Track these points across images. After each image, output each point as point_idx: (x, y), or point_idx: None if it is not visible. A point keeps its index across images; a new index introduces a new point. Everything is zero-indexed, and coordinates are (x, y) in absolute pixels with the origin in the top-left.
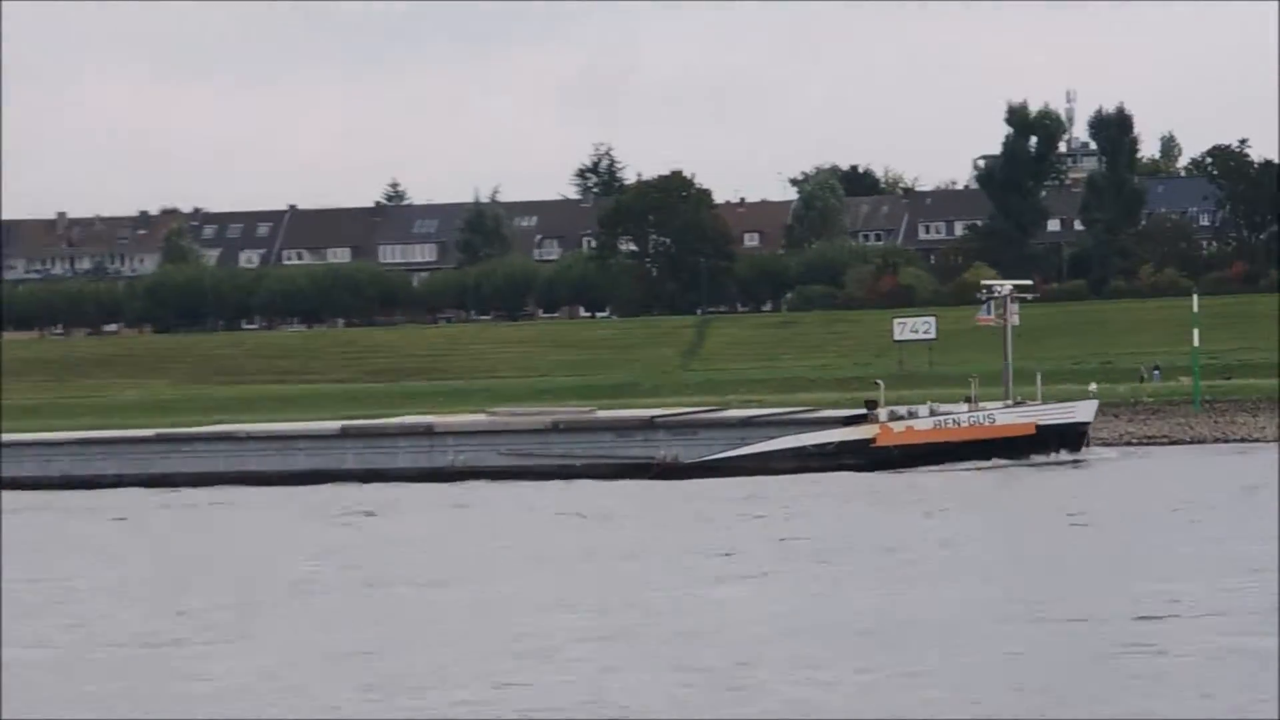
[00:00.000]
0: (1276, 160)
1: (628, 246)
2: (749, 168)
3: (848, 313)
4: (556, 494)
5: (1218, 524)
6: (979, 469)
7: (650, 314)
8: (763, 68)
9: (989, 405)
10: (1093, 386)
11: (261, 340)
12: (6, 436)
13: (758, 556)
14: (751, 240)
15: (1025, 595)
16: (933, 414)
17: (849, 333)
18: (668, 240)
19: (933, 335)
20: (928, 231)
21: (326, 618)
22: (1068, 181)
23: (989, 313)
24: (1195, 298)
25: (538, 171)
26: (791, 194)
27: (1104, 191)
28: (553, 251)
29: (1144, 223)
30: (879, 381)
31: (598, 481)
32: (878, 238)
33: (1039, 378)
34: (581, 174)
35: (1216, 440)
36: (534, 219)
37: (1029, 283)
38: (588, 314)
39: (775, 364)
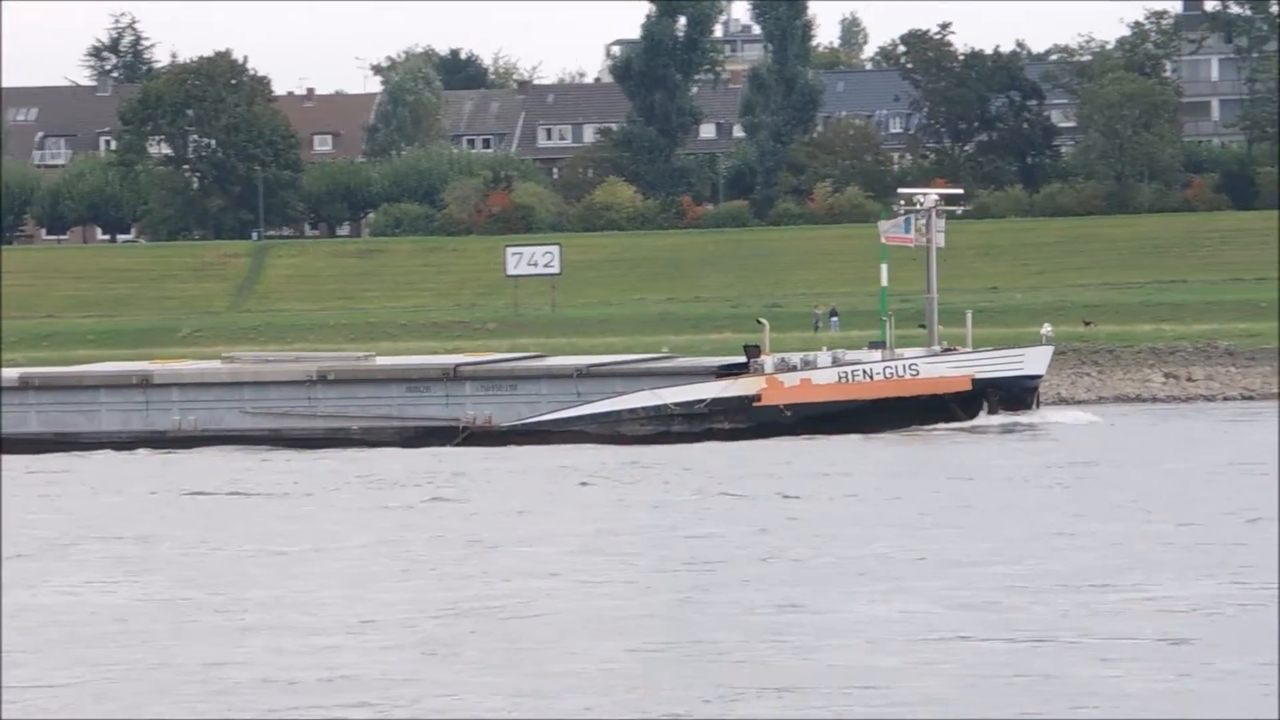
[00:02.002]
0: (991, 50)
1: (160, 150)
2: (319, 51)
3: (448, 239)
4: (319, 467)
5: None
6: (902, 435)
7: (190, 238)
8: None
9: (909, 352)
10: (1046, 329)
11: None
12: None
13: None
14: (323, 144)
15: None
16: (836, 363)
17: (449, 265)
18: (212, 142)
19: (556, 269)
20: (549, 137)
21: None
22: (725, 75)
23: (907, 230)
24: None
25: (37, 49)
26: (375, 85)
27: (770, 89)
28: (59, 154)
29: (820, 129)
30: (762, 320)
31: (382, 450)
32: (486, 144)
33: (969, 317)
34: (96, 54)
35: None
36: (32, 111)
37: (958, 192)
38: (107, 237)
39: (354, 304)
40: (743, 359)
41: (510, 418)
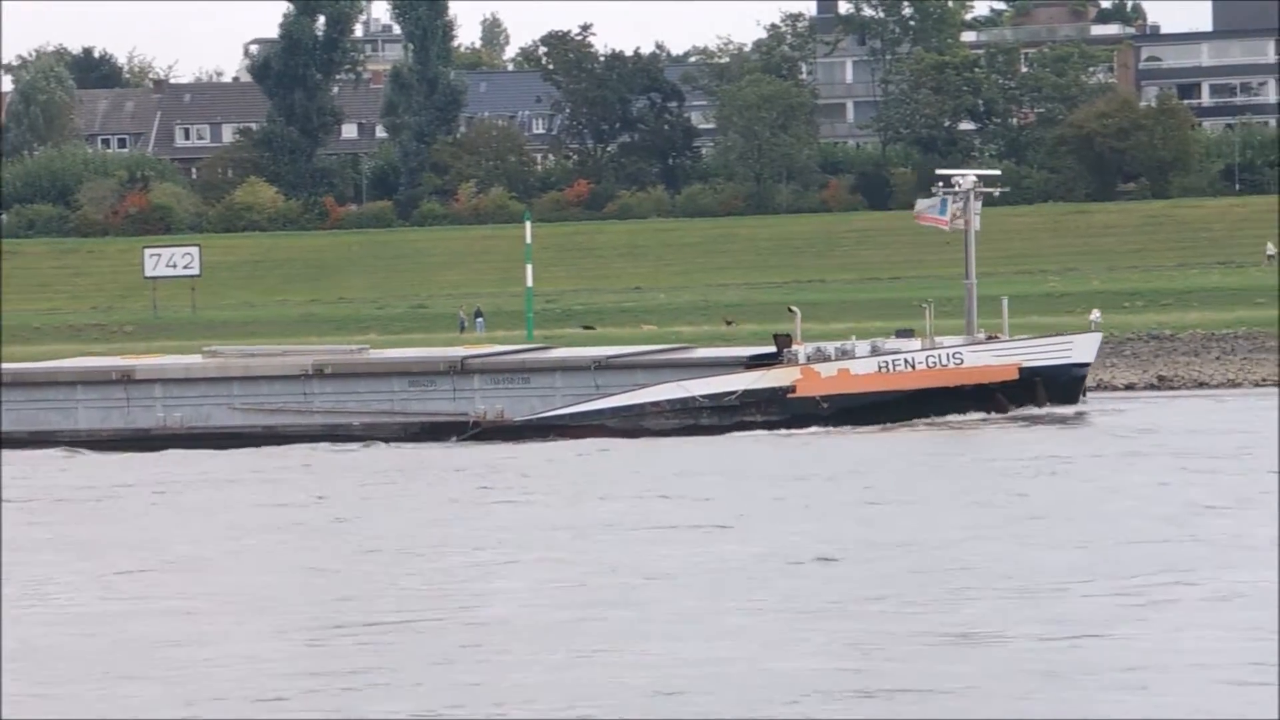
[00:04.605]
0: (632, 52)
1: None
2: None
3: (84, 241)
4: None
5: None
6: (948, 427)
7: None
8: None
9: (949, 340)
10: (1095, 314)
11: None
12: None
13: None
14: None
15: None
16: (875, 352)
17: (86, 267)
18: None
19: (196, 270)
20: (187, 137)
21: None
22: (366, 75)
23: (942, 211)
24: (529, 225)
25: None
26: (6, 84)
27: (412, 89)
28: None
29: (464, 129)
30: (794, 309)
31: (385, 446)
32: (121, 144)
33: (1005, 304)
34: None
35: None
36: None
37: (997, 173)
38: None
39: None
40: (772, 349)
41: (523, 411)
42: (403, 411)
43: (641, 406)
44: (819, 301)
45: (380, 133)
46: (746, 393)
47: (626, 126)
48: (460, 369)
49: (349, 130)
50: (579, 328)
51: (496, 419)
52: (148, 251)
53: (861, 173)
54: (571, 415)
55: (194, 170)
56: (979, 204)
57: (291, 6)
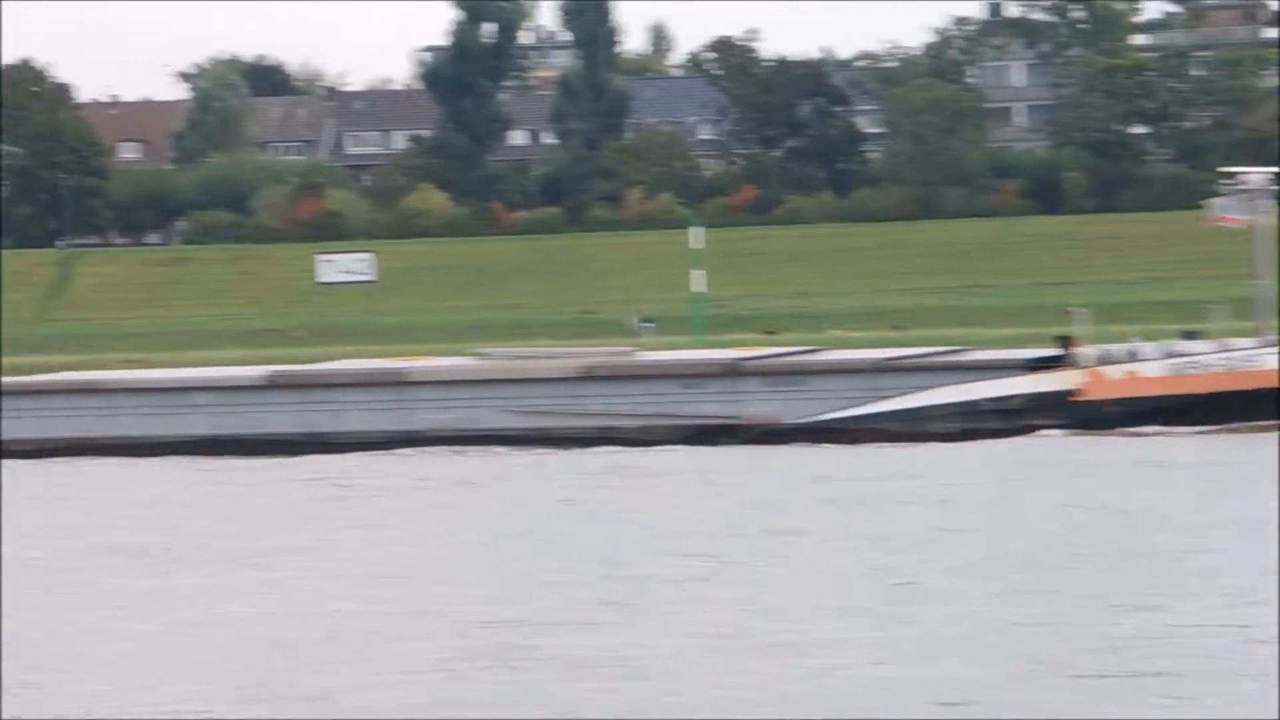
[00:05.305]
0: (798, 57)
1: None
2: (124, 58)
3: (258, 247)
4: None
5: None
6: (1243, 431)
7: None
8: None
9: (1242, 343)
10: None
11: None
12: None
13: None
14: (130, 152)
15: None
16: (1166, 355)
17: (260, 272)
18: (17, 150)
19: (370, 276)
20: (359, 143)
21: None
22: (534, 82)
23: (1235, 210)
24: (696, 230)
25: None
26: (182, 92)
27: (580, 95)
28: None
29: (630, 135)
30: (1080, 308)
31: (658, 449)
32: (295, 150)
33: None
34: None
35: None
36: None
37: None
38: None
39: (163, 312)
40: (1057, 351)
41: (798, 415)
42: (674, 414)
43: (923, 410)
44: (987, 307)
45: (548, 138)
46: (1031, 396)
47: (793, 131)
48: (735, 371)
49: (517, 136)
50: (749, 333)
51: (770, 422)
52: (321, 258)
53: (1032, 177)
54: (849, 419)
55: (366, 177)
56: (1272, 202)
57: (462, 15)
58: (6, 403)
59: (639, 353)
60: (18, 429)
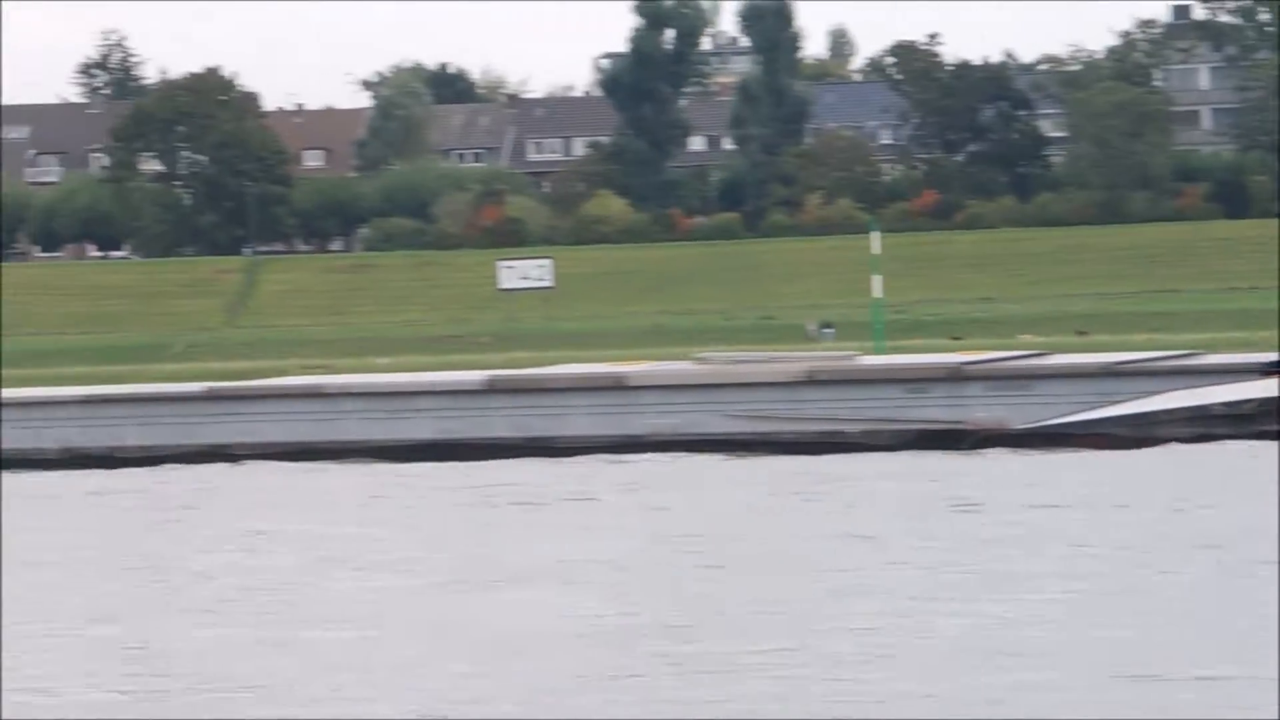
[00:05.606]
0: (980, 60)
1: (151, 166)
2: (307, 66)
3: (440, 253)
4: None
5: None
6: None
7: (183, 254)
8: None
9: None
10: None
11: None
12: None
13: None
14: (314, 160)
15: None
16: None
17: (442, 279)
18: (203, 159)
19: (549, 282)
20: (539, 150)
21: None
22: (714, 88)
23: None
24: (876, 235)
25: (26, 66)
26: (365, 100)
27: (759, 101)
28: (52, 171)
29: (810, 140)
30: None
31: (882, 455)
32: (476, 157)
33: None
34: (87, 71)
35: None
36: (25, 130)
37: None
38: (100, 254)
39: (346, 318)
40: None
41: (1025, 420)
42: (897, 419)
43: (1154, 415)
44: (1174, 312)
45: (727, 144)
46: (1263, 400)
47: (975, 136)
48: (958, 375)
49: (696, 142)
50: (929, 338)
51: (996, 427)
52: (501, 264)
53: (1219, 180)
54: (1077, 423)
55: (545, 183)
56: None
57: (642, 22)
58: (227, 407)
59: (861, 357)
60: (235, 433)
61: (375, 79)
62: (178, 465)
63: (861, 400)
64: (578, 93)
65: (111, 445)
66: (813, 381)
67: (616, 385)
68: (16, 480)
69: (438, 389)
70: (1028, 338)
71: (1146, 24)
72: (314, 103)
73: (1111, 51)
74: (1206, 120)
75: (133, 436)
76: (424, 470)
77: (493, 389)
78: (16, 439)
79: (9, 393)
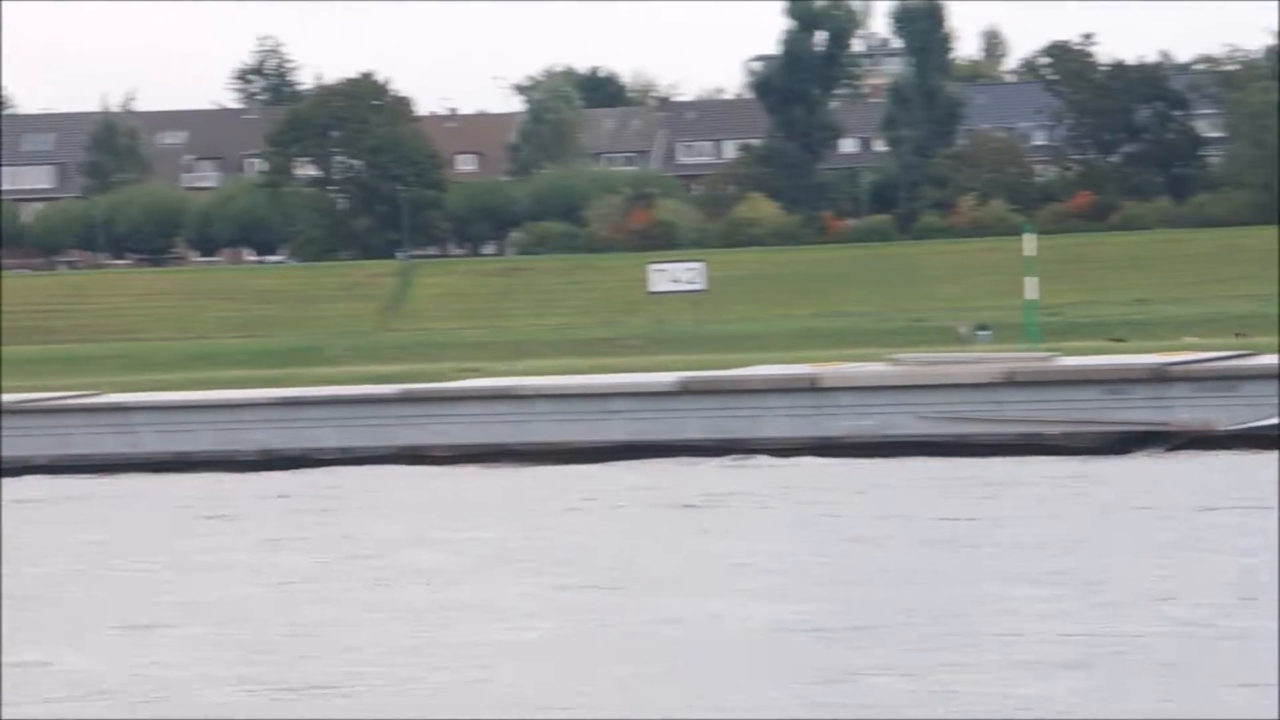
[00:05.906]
0: (1135, 60)
1: (306, 171)
2: (460, 71)
3: (590, 257)
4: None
5: None
6: None
7: (337, 258)
8: None
9: None
10: None
11: None
12: (149, 397)
13: None
14: (467, 164)
15: None
16: None
17: (592, 282)
18: (357, 163)
19: (701, 285)
20: (690, 153)
21: None
22: (865, 90)
23: None
24: (1029, 237)
25: (184, 73)
26: (517, 104)
27: (911, 102)
28: (208, 177)
29: (963, 142)
30: None
31: (1082, 459)
32: (627, 161)
33: None
34: (243, 76)
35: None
36: (182, 135)
37: None
38: (256, 258)
39: (499, 322)
40: None
41: (1232, 421)
42: (1098, 420)
43: None
44: None
45: (879, 146)
46: None
47: (1130, 136)
48: (1162, 375)
49: (847, 144)
50: (1084, 340)
51: (1201, 429)
52: (652, 267)
53: None
54: None
55: (695, 186)
56: None
57: (794, 24)
58: (419, 409)
59: (1059, 358)
60: (430, 435)
61: (527, 83)
62: (374, 465)
63: (1060, 401)
64: (729, 95)
65: (308, 447)
66: (1011, 383)
67: (811, 387)
68: (214, 482)
69: (633, 391)
70: (1192, 339)
71: None
72: (466, 107)
73: (1269, 51)
74: None
75: (330, 438)
76: (616, 472)
77: (686, 390)
78: (213, 441)
79: (207, 395)
